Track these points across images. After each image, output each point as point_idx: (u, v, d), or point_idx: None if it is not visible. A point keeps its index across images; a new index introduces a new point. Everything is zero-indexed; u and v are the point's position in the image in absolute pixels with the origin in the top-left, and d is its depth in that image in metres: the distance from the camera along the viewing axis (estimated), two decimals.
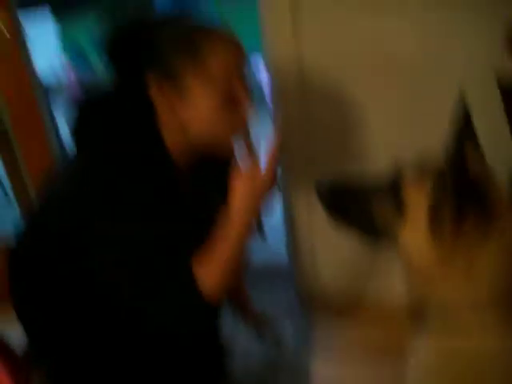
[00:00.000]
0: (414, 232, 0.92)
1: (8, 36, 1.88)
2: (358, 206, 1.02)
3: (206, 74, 1.08)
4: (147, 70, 1.11)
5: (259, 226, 1.47)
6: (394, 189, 0.97)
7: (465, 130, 0.90)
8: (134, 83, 1.13)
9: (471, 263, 0.88)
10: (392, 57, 1.63)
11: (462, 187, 0.85)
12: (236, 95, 1.12)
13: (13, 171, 2.15)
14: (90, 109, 1.18)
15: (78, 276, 1.13)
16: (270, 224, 2.12)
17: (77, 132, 1.17)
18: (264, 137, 1.22)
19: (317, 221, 1.89)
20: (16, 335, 1.24)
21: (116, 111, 1.15)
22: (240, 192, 1.11)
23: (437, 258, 0.90)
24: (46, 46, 5.75)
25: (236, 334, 1.80)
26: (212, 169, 1.30)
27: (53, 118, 2.18)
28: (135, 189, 1.05)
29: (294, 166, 1.84)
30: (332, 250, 1.94)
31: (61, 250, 1.12)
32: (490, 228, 0.86)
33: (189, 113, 1.12)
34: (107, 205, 1.04)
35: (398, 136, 1.69)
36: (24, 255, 1.21)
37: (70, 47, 5.99)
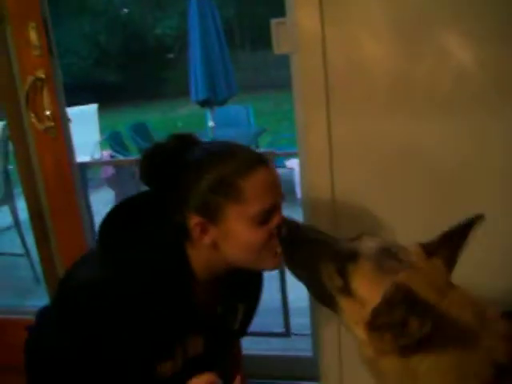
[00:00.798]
0: (356, 311, 0.91)
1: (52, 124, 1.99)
2: (310, 263, 1.02)
3: (246, 212, 1.11)
4: (188, 208, 1.13)
5: None
6: (350, 258, 0.95)
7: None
8: (170, 210, 1.17)
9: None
10: (425, 160, 1.64)
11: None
12: (271, 218, 1.14)
13: (45, 250, 2.19)
14: (123, 211, 1.22)
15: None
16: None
17: (102, 230, 1.20)
18: None
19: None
20: None
21: (146, 223, 1.19)
22: None
23: (374, 350, 0.89)
24: (87, 135, 6.14)
25: None
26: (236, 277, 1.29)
27: (87, 196, 2.25)
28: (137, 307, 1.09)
29: None
30: None
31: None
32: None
33: (229, 241, 1.14)
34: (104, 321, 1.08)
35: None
36: (39, 345, 1.24)
37: (110, 135, 6.34)
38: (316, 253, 1.03)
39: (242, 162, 1.12)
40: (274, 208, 1.14)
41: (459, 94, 1.58)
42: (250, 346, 2.36)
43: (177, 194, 1.13)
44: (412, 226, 1.67)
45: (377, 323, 0.87)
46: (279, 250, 1.15)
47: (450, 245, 0.98)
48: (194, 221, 1.12)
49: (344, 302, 0.95)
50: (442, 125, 1.61)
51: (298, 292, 2.40)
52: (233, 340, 1.46)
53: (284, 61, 1.80)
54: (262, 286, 1.38)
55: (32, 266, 3.68)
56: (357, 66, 1.63)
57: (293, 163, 4.60)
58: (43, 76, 1.94)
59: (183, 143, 1.18)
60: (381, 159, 1.68)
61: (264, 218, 1.12)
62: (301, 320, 2.35)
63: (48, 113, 1.97)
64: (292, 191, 4.23)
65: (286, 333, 2.38)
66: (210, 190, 1.09)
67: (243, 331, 1.42)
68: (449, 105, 1.59)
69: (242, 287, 1.32)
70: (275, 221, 1.14)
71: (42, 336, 1.24)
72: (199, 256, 1.18)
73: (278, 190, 1.17)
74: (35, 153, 2.06)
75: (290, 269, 1.10)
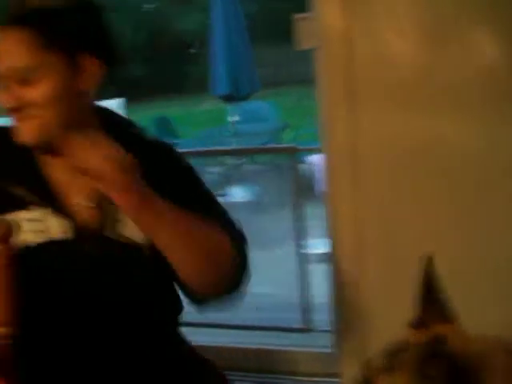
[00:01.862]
0: None
1: None
2: None
3: None
4: None
5: None
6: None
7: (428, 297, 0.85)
8: None
9: None
10: (449, 157, 1.64)
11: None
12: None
13: None
14: None
15: None
16: None
17: None
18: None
19: None
20: None
21: None
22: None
23: None
24: None
25: None
26: None
27: None
28: None
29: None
30: None
31: None
32: None
33: None
34: None
35: (459, 246, 1.66)
36: None
37: None
38: None
39: None
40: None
41: (485, 93, 1.56)
42: (270, 340, 2.38)
43: None
44: (435, 223, 1.67)
45: None
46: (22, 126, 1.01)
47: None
48: None
49: None
50: (467, 122, 1.59)
51: (319, 288, 2.42)
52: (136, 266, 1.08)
53: (306, 56, 1.80)
54: (189, 185, 1.12)
55: None
56: (381, 61, 1.62)
57: (314, 159, 4.59)
58: None
59: None
60: (405, 155, 1.67)
61: None
62: (321, 316, 2.35)
63: None
64: (313, 187, 4.22)
65: (306, 328, 2.38)
66: None
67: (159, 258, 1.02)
68: (474, 103, 1.58)
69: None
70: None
71: None
72: None
73: (6, 60, 1.00)
74: None
75: None
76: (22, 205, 1.03)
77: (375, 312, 1.85)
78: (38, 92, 0.98)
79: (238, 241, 1.06)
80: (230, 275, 1.05)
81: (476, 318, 0.92)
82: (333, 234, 1.89)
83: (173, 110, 10.46)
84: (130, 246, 1.05)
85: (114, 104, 7.01)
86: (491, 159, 1.60)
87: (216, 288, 1.06)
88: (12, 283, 0.91)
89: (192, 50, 13.61)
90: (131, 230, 1.03)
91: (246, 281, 1.08)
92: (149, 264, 1.06)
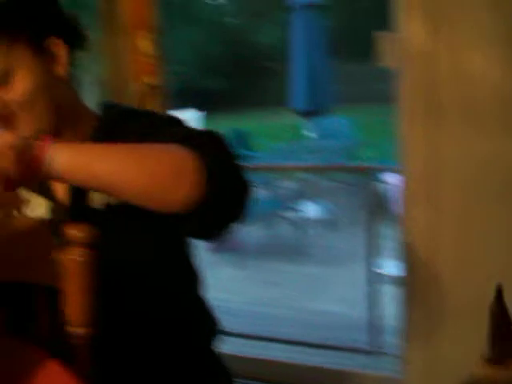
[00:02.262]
0: None
1: None
2: None
3: None
4: None
5: None
6: None
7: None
8: None
9: None
10: None
11: None
12: None
13: None
14: None
15: None
16: None
17: None
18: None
19: None
20: None
21: None
22: None
23: None
24: None
25: None
26: None
27: None
28: None
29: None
30: None
31: None
32: None
33: None
34: None
35: None
36: None
37: None
38: None
39: None
40: None
41: None
42: (333, 360, 2.35)
43: None
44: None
45: None
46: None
47: None
48: None
49: None
50: None
51: (389, 309, 2.38)
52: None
53: (385, 74, 1.78)
54: None
55: None
56: (466, 84, 1.58)
57: (390, 178, 4.52)
58: (154, 82, 2.04)
59: None
60: (482, 178, 1.62)
61: None
62: (389, 338, 2.31)
63: None
64: (386, 206, 4.15)
65: (372, 350, 2.34)
66: None
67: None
68: None
69: None
70: None
71: None
72: None
73: None
74: None
75: None
76: None
77: (445, 339, 1.80)
78: (16, 91, 0.95)
79: (209, 160, 0.85)
80: (194, 190, 0.82)
81: None
82: (406, 257, 1.86)
83: (250, 122, 10.61)
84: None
85: (192, 115, 7.20)
86: None
87: (179, 200, 0.83)
88: (92, 285, 0.94)
89: (270, 64, 13.78)
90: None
91: (228, 201, 0.89)
92: None
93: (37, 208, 1.03)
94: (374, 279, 2.41)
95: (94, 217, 1.00)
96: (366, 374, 2.19)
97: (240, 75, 13.24)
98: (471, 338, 1.73)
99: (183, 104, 5.99)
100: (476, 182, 1.64)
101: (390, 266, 3.21)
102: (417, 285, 1.81)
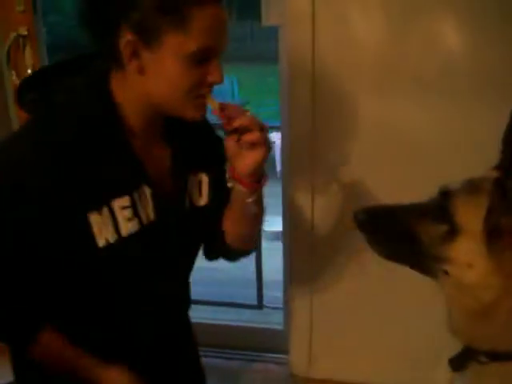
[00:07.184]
0: (469, 247, 0.88)
1: None
2: (402, 231, 0.97)
3: (185, 44, 1.01)
4: (122, 22, 1.01)
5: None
6: (441, 210, 0.92)
7: None
8: (103, 31, 1.05)
9: None
10: (407, 140, 1.66)
11: None
12: (209, 64, 1.05)
13: None
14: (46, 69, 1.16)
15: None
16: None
17: (20, 88, 1.13)
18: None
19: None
20: None
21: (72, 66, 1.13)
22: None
23: (495, 270, 0.86)
24: None
25: None
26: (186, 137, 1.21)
27: None
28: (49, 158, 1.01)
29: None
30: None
31: None
32: None
33: (157, 70, 1.04)
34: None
35: None
36: None
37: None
38: (404, 217, 0.97)
39: None
40: (215, 53, 1.05)
41: (445, 78, 1.59)
42: (221, 316, 2.39)
43: (115, 7, 1.01)
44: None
45: (493, 221, 0.85)
46: (206, 102, 1.08)
47: None
48: (127, 38, 1.00)
49: (453, 249, 0.90)
50: (426, 107, 1.62)
51: (273, 265, 2.44)
52: (201, 223, 1.27)
53: (271, 34, 1.79)
54: (223, 152, 1.19)
55: None
56: (345, 43, 1.62)
57: (273, 137, 4.59)
58: (26, 33, 1.90)
59: None
60: (362, 137, 1.69)
61: (200, 58, 1.03)
62: (274, 293, 2.38)
63: (29, 71, 1.93)
64: (272, 165, 4.23)
65: (259, 305, 2.41)
66: (155, 8, 0.99)
67: (213, 207, 1.26)
68: (434, 88, 1.60)
69: (198, 155, 1.22)
70: (213, 69, 1.05)
71: None
72: (125, 89, 1.08)
73: (225, 37, 1.07)
74: (15, 111, 2.02)
75: (376, 249, 1.00)
76: (115, 192, 1.07)
77: (326, 290, 1.89)
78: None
79: None
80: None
81: None
82: (287, 213, 1.92)
83: None
84: (196, 212, 1.23)
85: None
86: (448, 141, 1.63)
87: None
88: None
89: None
90: (197, 198, 1.23)
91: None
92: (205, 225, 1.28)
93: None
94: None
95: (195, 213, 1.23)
96: (254, 328, 2.26)
97: None
98: (354, 287, 1.83)
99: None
100: (358, 141, 1.71)
101: (274, 223, 3.31)
102: (298, 239, 1.87)
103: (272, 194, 2.34)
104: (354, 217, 1.00)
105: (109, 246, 1.06)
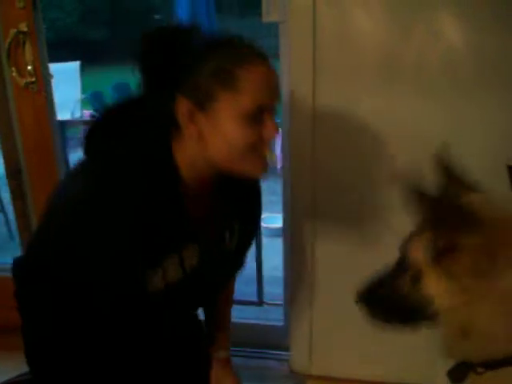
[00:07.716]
0: (430, 280, 0.90)
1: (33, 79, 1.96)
2: (389, 295, 1.00)
3: (239, 104, 1.04)
4: (179, 92, 1.06)
5: None
6: (403, 259, 0.95)
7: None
8: (159, 98, 1.10)
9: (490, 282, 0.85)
10: (408, 136, 1.66)
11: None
12: (264, 120, 1.09)
13: (20, 207, 2.18)
14: (108, 115, 1.18)
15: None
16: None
17: (87, 136, 1.16)
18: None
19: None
20: None
21: (130, 119, 1.15)
22: None
23: (458, 288, 0.87)
24: (69, 93, 6.05)
25: None
26: (236, 193, 1.26)
27: (65, 155, 2.24)
28: (121, 206, 1.04)
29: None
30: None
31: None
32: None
33: (215, 133, 1.07)
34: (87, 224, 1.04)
35: None
36: (26, 261, 1.19)
37: (92, 95, 6.28)
38: (389, 283, 1.00)
39: (244, 52, 1.08)
40: (269, 109, 1.08)
41: (445, 76, 1.58)
42: None
43: (171, 78, 1.07)
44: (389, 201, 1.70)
45: (432, 247, 0.88)
46: (267, 157, 1.11)
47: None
48: (183, 105, 1.05)
49: (423, 288, 0.92)
50: (426, 104, 1.62)
51: (273, 261, 2.44)
52: (230, 264, 1.38)
53: (272, 30, 1.78)
54: (260, 205, 1.30)
55: (7, 222, 3.66)
56: (346, 39, 1.62)
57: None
58: (26, 29, 1.89)
59: (186, 28, 1.12)
60: (364, 133, 1.69)
61: (256, 116, 1.05)
62: (274, 289, 2.38)
63: (29, 67, 1.93)
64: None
65: (259, 302, 2.41)
66: (207, 74, 1.04)
67: (240, 257, 1.38)
68: (434, 85, 1.60)
69: (237, 203, 1.28)
70: (268, 125, 1.08)
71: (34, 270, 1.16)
72: (184, 152, 1.11)
73: (276, 92, 1.11)
74: (15, 108, 2.03)
75: (383, 322, 1.05)
76: (168, 252, 1.15)
77: (326, 287, 1.89)
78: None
79: None
80: None
81: None
82: (287, 209, 1.91)
83: (135, 76, 10.23)
84: (229, 256, 1.32)
85: (69, 67, 6.75)
86: (456, 142, 1.61)
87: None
88: None
89: (157, 16, 13.33)
90: (229, 243, 1.30)
91: None
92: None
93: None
94: (260, 232, 2.46)
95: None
96: (254, 325, 2.26)
97: (126, 27, 12.67)
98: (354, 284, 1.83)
99: (61, 55, 5.62)
100: (359, 137, 1.70)
101: (275, 219, 3.31)
102: (298, 236, 1.87)
103: (272, 191, 2.35)
104: (359, 298, 1.10)
105: (156, 291, 1.14)
